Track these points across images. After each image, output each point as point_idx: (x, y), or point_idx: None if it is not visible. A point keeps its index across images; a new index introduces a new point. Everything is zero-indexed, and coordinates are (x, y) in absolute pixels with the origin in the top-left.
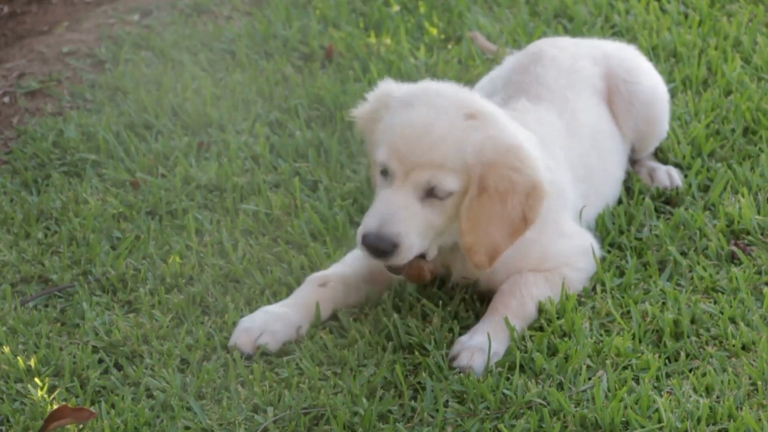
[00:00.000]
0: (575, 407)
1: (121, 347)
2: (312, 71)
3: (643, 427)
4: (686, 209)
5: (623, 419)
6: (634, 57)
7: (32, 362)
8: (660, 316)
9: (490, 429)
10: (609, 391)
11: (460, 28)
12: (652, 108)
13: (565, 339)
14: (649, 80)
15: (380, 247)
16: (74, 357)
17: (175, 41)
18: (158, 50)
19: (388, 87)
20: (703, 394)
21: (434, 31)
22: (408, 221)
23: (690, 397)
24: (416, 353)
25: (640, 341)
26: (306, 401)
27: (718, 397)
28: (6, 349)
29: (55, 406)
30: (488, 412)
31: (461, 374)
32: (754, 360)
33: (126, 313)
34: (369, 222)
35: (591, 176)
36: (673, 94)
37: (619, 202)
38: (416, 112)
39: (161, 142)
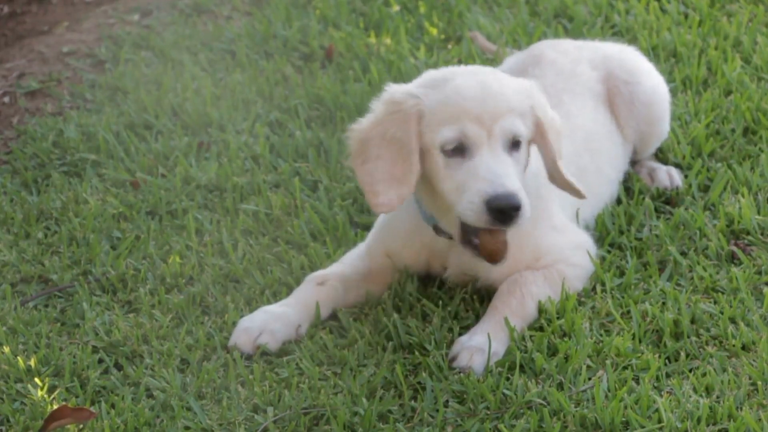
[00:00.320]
0: (575, 407)
1: (121, 347)
2: (312, 71)
3: (643, 427)
4: (686, 209)
5: (623, 419)
6: (635, 58)
7: (32, 362)
8: (660, 316)
9: (490, 429)
10: (609, 391)
11: (460, 28)
12: (653, 108)
13: (565, 339)
14: (650, 81)
15: (515, 205)
16: (74, 357)
17: (175, 41)
18: (158, 50)
19: (397, 88)
20: (703, 394)
21: (434, 31)
22: (516, 179)
23: (690, 397)
24: (416, 353)
25: (640, 341)
26: (306, 401)
27: (718, 397)
28: (6, 349)
29: (55, 406)
30: (488, 412)
31: (461, 374)
32: (754, 360)
33: (126, 313)
34: (488, 186)
35: (584, 176)
36: (673, 94)
37: (619, 202)
38: (461, 79)
39: (161, 142)
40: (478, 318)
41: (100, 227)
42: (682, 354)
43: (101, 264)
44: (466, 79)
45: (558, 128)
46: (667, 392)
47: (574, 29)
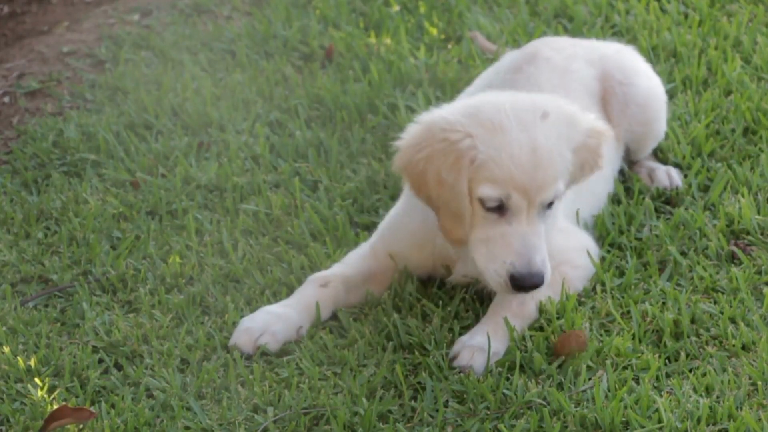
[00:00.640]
0: (575, 407)
1: (121, 347)
2: (312, 71)
3: (643, 427)
4: (686, 209)
5: (623, 419)
6: (631, 58)
7: (32, 362)
8: (660, 316)
9: (490, 429)
10: (609, 391)
11: (460, 28)
12: (648, 109)
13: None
14: (645, 82)
15: (537, 285)
16: (74, 357)
17: (175, 41)
18: (158, 50)
19: (447, 115)
20: (703, 394)
21: (434, 31)
22: (544, 247)
23: (690, 397)
24: (416, 353)
25: (640, 341)
26: (306, 401)
27: (718, 397)
28: (6, 349)
29: (55, 406)
30: (488, 412)
31: (461, 374)
32: (754, 360)
33: (126, 313)
34: (517, 259)
35: None
36: (673, 94)
37: (619, 202)
38: (515, 139)
39: (161, 142)
40: (478, 318)
41: (100, 227)
42: (682, 354)
43: (101, 264)
44: (519, 139)
45: (601, 165)
46: (667, 392)
47: (574, 29)
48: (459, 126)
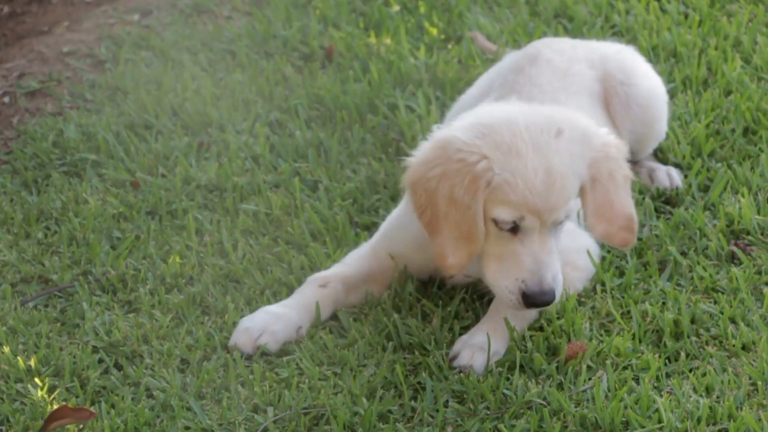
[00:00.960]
0: (575, 407)
1: (121, 347)
2: (312, 71)
3: (643, 427)
4: (686, 209)
5: (623, 419)
6: (632, 59)
7: (32, 362)
8: (660, 316)
9: (490, 429)
10: (609, 391)
11: (460, 28)
12: (650, 110)
13: (565, 339)
14: (647, 82)
15: (548, 302)
16: (74, 357)
17: (175, 41)
18: (158, 50)
19: (459, 134)
20: (703, 394)
21: (434, 31)
22: (555, 261)
23: (690, 397)
24: (416, 353)
25: (640, 341)
26: (306, 401)
27: (718, 397)
28: (6, 349)
29: (55, 406)
30: (488, 412)
31: (461, 374)
32: (754, 360)
33: (126, 313)
34: (529, 277)
35: None
36: (673, 94)
37: None
38: (530, 163)
39: (161, 142)
40: (478, 318)
41: (100, 227)
42: (682, 354)
43: (101, 264)
44: (534, 162)
45: (619, 180)
46: (667, 392)
47: (574, 29)
48: (474, 147)
